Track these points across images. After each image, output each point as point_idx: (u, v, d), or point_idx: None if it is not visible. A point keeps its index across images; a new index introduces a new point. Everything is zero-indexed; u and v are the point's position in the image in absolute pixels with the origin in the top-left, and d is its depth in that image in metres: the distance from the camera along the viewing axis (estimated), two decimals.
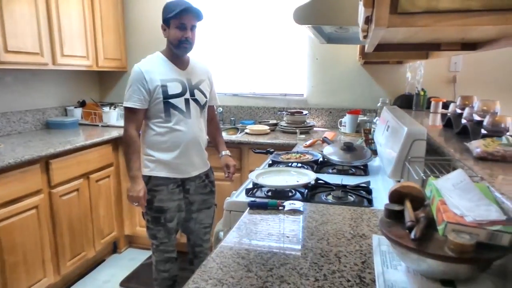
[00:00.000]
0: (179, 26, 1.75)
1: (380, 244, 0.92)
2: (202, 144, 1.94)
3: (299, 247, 0.99)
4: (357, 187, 1.50)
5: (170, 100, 1.79)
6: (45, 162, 2.19)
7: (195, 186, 1.96)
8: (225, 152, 2.08)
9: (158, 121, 1.81)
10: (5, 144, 2.32)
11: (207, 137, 2.04)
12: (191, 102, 1.85)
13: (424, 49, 1.55)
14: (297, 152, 2.01)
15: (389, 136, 1.45)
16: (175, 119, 1.81)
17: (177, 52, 1.81)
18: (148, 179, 1.84)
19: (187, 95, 1.83)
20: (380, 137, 1.68)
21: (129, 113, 1.78)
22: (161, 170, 1.84)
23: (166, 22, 1.77)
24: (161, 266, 1.99)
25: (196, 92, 1.87)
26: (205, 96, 1.93)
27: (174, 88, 1.80)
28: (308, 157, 1.90)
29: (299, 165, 1.85)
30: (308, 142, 2.41)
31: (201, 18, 1.80)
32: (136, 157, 1.80)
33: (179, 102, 1.81)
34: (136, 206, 1.83)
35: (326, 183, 1.56)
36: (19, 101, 2.77)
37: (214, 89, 2.07)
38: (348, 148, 1.84)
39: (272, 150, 2.15)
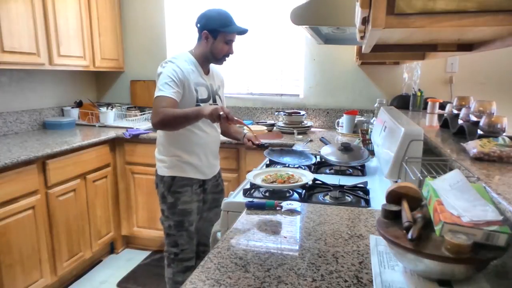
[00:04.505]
0: (227, 42, 1.79)
1: (377, 244, 0.92)
2: (218, 146, 2.02)
3: (296, 247, 1.00)
4: (354, 188, 1.51)
5: (200, 104, 1.81)
6: (41, 162, 2.18)
7: (210, 186, 2.00)
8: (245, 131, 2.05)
9: None
10: (1, 144, 2.31)
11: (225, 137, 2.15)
12: None
13: (421, 50, 1.56)
14: (282, 174, 1.57)
15: (386, 136, 1.46)
16: (201, 122, 1.81)
17: (216, 63, 1.87)
18: (171, 180, 1.83)
19: (211, 101, 1.87)
20: (377, 137, 1.69)
21: (163, 101, 1.67)
22: (186, 170, 1.84)
23: (214, 32, 1.77)
24: (180, 277, 1.92)
25: (216, 98, 1.92)
26: (222, 102, 1.98)
27: (202, 92, 1.83)
28: (298, 180, 1.50)
29: (297, 165, 1.85)
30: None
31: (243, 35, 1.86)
32: (179, 111, 1.67)
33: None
34: (223, 116, 1.58)
35: (323, 183, 1.56)
36: (16, 101, 2.76)
37: (224, 95, 2.09)
38: (346, 148, 1.85)
39: (267, 145, 2.08)
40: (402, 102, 2.70)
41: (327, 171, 1.84)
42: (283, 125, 2.94)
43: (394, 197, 0.83)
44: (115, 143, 2.82)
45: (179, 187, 1.84)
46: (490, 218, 0.66)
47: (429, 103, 2.41)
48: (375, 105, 2.71)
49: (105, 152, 2.72)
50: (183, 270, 1.93)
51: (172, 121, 1.66)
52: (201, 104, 1.80)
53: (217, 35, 1.77)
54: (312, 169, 1.83)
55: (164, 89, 1.68)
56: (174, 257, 1.93)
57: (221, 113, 1.57)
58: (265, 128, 2.90)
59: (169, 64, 1.75)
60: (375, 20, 0.75)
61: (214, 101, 1.90)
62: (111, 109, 3.20)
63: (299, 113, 2.99)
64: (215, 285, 0.80)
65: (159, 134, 1.89)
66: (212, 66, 1.95)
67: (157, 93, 1.69)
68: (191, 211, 1.88)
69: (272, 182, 1.48)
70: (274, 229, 1.11)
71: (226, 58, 1.86)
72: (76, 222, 2.46)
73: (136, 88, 3.46)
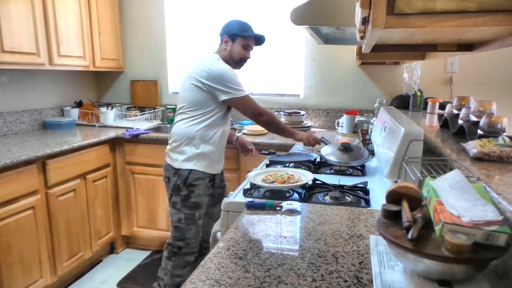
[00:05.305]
0: (244, 46, 1.97)
1: (377, 244, 0.92)
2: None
3: (296, 247, 0.99)
4: (354, 188, 1.50)
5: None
6: (41, 162, 2.18)
7: (218, 180, 2.11)
8: (239, 133, 2.30)
9: (216, 118, 1.93)
10: (1, 144, 2.31)
11: None
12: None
13: (421, 50, 1.56)
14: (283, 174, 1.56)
15: (386, 136, 1.46)
16: (226, 118, 2.00)
17: (234, 66, 1.99)
18: (188, 173, 1.90)
19: None
20: (377, 137, 1.69)
21: (254, 101, 1.97)
22: (202, 164, 1.93)
23: (233, 36, 1.95)
24: (179, 270, 1.99)
25: None
26: None
27: None
28: (298, 180, 1.49)
29: (297, 164, 1.85)
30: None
31: (261, 44, 2.08)
32: (281, 123, 2.11)
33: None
34: (315, 143, 2.06)
35: (323, 183, 1.56)
36: (16, 101, 2.76)
37: None
38: (346, 148, 1.85)
39: (274, 151, 2.18)
40: (402, 102, 2.70)
41: (327, 171, 1.84)
42: None
43: (394, 197, 0.83)
44: (115, 143, 2.82)
45: (193, 180, 1.91)
46: (490, 218, 0.66)
47: (429, 103, 2.41)
48: (375, 105, 2.71)
49: (105, 152, 2.72)
50: (182, 264, 1.98)
51: (272, 127, 2.07)
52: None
53: (235, 39, 1.95)
54: (312, 169, 1.83)
55: (243, 89, 1.91)
56: (177, 251, 1.97)
57: (313, 139, 2.07)
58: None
59: (221, 63, 1.91)
60: (375, 20, 0.75)
61: None
62: (111, 109, 3.20)
63: (299, 113, 2.99)
64: (215, 285, 0.80)
65: (183, 126, 1.93)
66: None
67: (241, 93, 1.89)
68: (202, 204, 1.95)
69: (272, 182, 1.48)
70: (274, 229, 1.11)
71: (244, 63, 2.01)
72: (76, 222, 2.46)
73: (136, 88, 3.46)
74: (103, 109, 3.15)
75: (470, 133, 1.28)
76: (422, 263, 0.69)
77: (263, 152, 2.25)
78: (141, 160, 2.79)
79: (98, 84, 3.59)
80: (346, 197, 1.42)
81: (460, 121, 1.47)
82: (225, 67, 1.89)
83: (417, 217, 0.75)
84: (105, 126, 3.03)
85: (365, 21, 0.90)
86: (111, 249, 2.97)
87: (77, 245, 2.48)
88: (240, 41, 1.94)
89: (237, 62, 1.98)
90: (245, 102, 1.93)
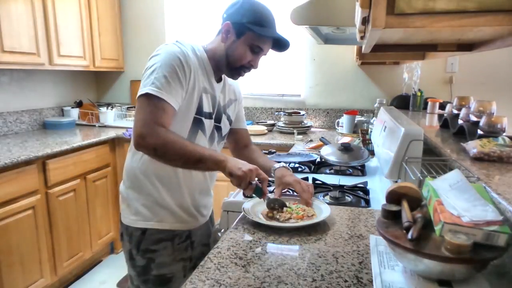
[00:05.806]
0: (253, 48, 1.21)
1: (377, 244, 0.92)
2: (213, 177, 1.42)
3: (296, 247, 0.99)
4: (354, 188, 1.51)
5: (202, 118, 1.24)
6: (41, 162, 2.18)
7: (200, 237, 1.40)
8: (279, 164, 1.32)
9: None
10: (1, 144, 2.31)
11: None
12: (214, 130, 1.32)
13: (421, 50, 1.56)
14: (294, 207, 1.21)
15: (386, 136, 1.45)
16: (197, 136, 1.26)
17: (228, 73, 1.28)
18: (141, 234, 1.24)
19: (212, 119, 1.30)
20: (377, 137, 1.68)
21: (160, 112, 1.10)
22: (163, 219, 1.26)
23: (239, 28, 1.19)
24: None
25: (223, 118, 1.35)
26: (230, 124, 1.41)
27: (206, 103, 1.25)
28: (308, 213, 1.16)
29: (296, 165, 1.85)
30: (312, 145, 2.41)
31: (283, 51, 1.31)
32: (189, 146, 1.10)
33: (208, 125, 1.28)
34: (254, 183, 1.13)
35: (323, 183, 1.56)
36: (16, 101, 2.76)
37: (243, 111, 1.56)
38: (346, 148, 1.85)
39: (274, 150, 2.18)
40: (402, 102, 2.70)
41: (327, 171, 1.84)
42: (283, 125, 2.94)
43: (394, 197, 0.83)
44: (115, 143, 2.82)
45: (152, 244, 1.25)
46: (490, 218, 0.66)
47: (429, 103, 2.41)
48: (375, 105, 2.71)
49: (105, 152, 2.72)
50: None
51: (172, 157, 1.09)
52: (203, 118, 1.24)
53: (242, 33, 1.19)
54: (312, 169, 1.83)
55: (162, 87, 1.10)
56: None
57: (254, 182, 1.11)
58: (265, 128, 2.90)
59: (173, 47, 1.16)
60: (375, 20, 0.75)
61: (218, 120, 1.32)
62: (111, 109, 3.21)
63: (299, 113, 2.99)
64: (215, 285, 0.80)
65: (129, 155, 1.29)
66: None
67: (149, 89, 1.10)
68: (173, 276, 1.27)
69: (288, 219, 1.13)
70: (274, 229, 1.11)
71: (244, 72, 1.26)
72: (76, 222, 2.46)
73: (136, 88, 3.41)
74: (103, 109, 3.15)
75: (470, 133, 1.28)
76: (422, 263, 0.69)
77: (263, 152, 2.21)
78: None
79: (98, 84, 3.59)
80: (346, 197, 1.42)
81: (460, 121, 1.47)
82: (172, 51, 1.14)
83: (417, 217, 0.75)
84: (105, 126, 3.03)
85: (365, 21, 0.90)
86: (111, 249, 2.97)
87: (77, 245, 2.48)
88: (250, 38, 1.19)
89: (234, 68, 1.23)
90: (142, 104, 1.13)
